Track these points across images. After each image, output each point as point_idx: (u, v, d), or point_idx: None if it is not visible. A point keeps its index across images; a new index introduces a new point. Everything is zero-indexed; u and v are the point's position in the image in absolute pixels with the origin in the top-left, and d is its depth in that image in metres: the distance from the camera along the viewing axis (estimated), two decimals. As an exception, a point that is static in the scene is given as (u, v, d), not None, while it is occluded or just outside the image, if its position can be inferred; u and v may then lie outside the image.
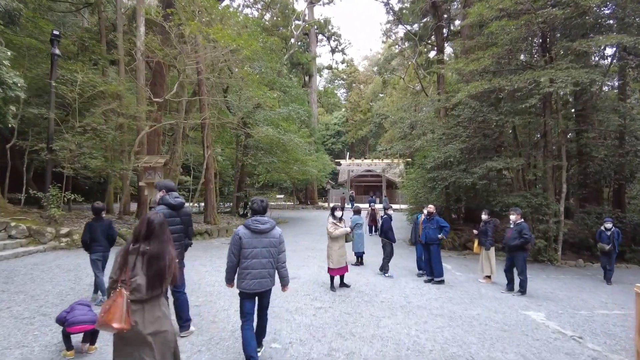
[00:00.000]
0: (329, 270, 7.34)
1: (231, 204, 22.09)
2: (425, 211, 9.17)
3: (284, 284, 4.18)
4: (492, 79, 11.03)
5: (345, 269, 7.43)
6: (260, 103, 17.72)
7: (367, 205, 18.22)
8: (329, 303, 6.44)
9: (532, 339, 5.26)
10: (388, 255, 8.92)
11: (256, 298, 4.00)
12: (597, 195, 15.81)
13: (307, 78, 38.75)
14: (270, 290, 4.06)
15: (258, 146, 18.79)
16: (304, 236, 15.65)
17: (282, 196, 40.01)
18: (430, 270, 8.50)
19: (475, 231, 9.58)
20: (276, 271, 4.10)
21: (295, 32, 31.75)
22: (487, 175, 13.11)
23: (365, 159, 44.59)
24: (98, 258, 5.83)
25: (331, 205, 9.21)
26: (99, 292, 5.87)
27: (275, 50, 18.16)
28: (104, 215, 6.24)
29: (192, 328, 4.86)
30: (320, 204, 37.15)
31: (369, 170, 40.03)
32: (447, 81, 17.69)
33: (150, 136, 19.46)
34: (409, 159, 20.99)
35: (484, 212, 9.24)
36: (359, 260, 10.22)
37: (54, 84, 10.35)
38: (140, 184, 10.79)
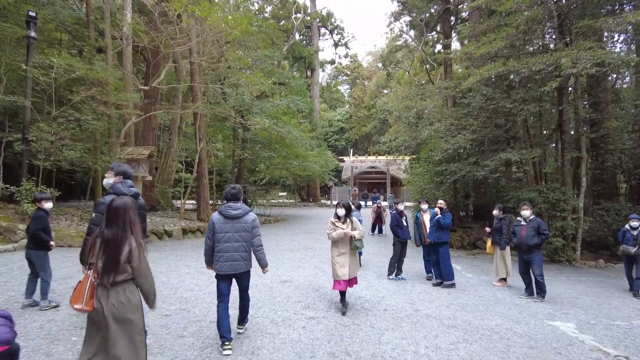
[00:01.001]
0: (334, 283, 5.62)
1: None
2: (424, 207, 8.35)
3: (262, 265, 4.36)
4: (506, 63, 10.05)
5: (348, 283, 5.56)
6: (257, 94, 16.94)
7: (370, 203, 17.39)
8: (322, 312, 5.54)
9: (567, 359, 4.34)
10: (395, 254, 8.00)
11: (233, 280, 4.22)
12: (613, 190, 14.81)
13: (309, 72, 37.79)
14: (246, 272, 4.27)
15: (255, 139, 17.90)
16: (303, 235, 14.76)
17: (284, 194, 39.17)
18: (439, 272, 7.58)
19: (488, 229, 8.64)
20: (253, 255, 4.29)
21: (295, 23, 30.75)
22: (498, 168, 12.14)
23: (370, 155, 43.64)
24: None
25: (335, 202, 8.16)
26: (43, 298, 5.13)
27: (272, 35, 17.19)
28: (50, 205, 5.43)
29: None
30: (322, 201, 36.25)
31: (373, 167, 39.04)
32: (455, 73, 16.67)
33: (144, 130, 18.79)
34: (414, 156, 20.03)
35: (495, 208, 8.32)
36: None
37: (29, 70, 9.53)
38: (123, 177, 9.95)
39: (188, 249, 10.48)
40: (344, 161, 39.94)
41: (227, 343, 3.97)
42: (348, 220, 5.63)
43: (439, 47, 29.14)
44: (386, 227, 13.94)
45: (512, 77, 10.70)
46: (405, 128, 14.46)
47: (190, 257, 9.23)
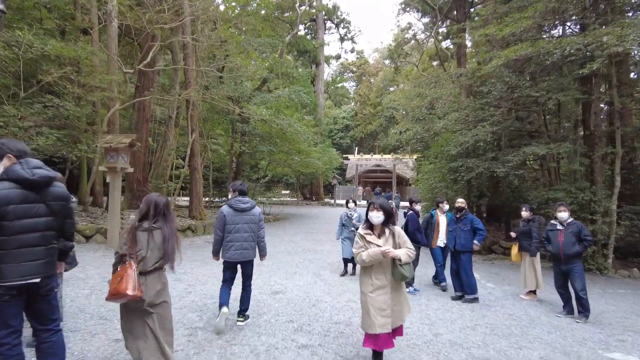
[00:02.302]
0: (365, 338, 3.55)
1: (227, 198, 20.15)
2: (445, 207, 7.14)
3: (263, 254, 4.73)
4: (534, 44, 8.83)
5: (391, 340, 3.52)
6: (258, 85, 15.81)
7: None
8: (318, 338, 4.38)
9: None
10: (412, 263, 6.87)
11: (238, 267, 4.56)
12: (637, 192, 13.54)
13: (314, 67, 36.61)
14: (251, 261, 4.58)
15: (255, 132, 16.76)
16: (304, 235, 13.62)
17: (287, 192, 38.07)
18: (460, 284, 6.40)
19: (513, 234, 7.44)
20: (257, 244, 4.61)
21: (299, 10, 29.53)
22: (521, 164, 10.93)
23: (375, 154, 42.43)
24: None
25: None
26: None
27: (273, 23, 16.01)
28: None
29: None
30: (326, 200, 35.11)
31: (379, 165, 37.87)
32: (469, 63, 15.39)
33: (138, 122, 17.68)
34: (421, 154, 18.77)
35: (523, 208, 7.12)
36: (347, 268, 7.82)
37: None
38: (101, 168, 8.84)
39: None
40: (348, 159, 38.81)
41: (224, 307, 4.29)
42: (387, 231, 3.55)
43: (447, 43, 27.91)
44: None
45: (538, 62, 9.44)
46: (414, 122, 13.21)
47: (178, 259, 8.11)
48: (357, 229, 7.03)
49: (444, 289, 6.94)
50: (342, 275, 7.57)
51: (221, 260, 4.57)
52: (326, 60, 41.75)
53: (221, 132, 19.65)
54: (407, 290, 6.68)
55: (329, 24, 39.77)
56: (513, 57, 8.71)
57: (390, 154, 40.70)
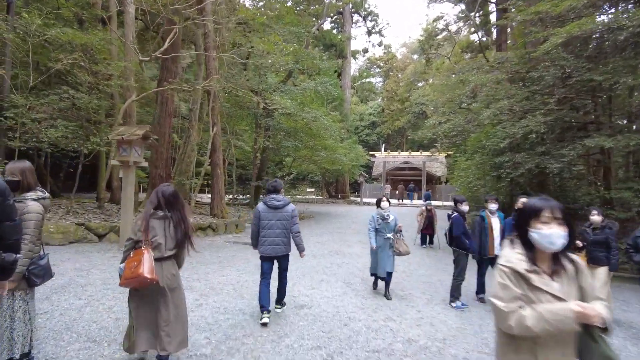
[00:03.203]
0: None
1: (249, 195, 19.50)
2: (492, 207, 5.98)
3: (300, 250, 4.90)
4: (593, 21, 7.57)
5: None
6: (283, 78, 15.01)
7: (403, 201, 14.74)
8: (354, 373, 3.46)
9: None
10: (460, 274, 5.77)
11: (274, 261, 4.82)
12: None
13: (340, 61, 35.58)
14: (286, 255, 4.83)
15: (279, 127, 15.94)
16: (330, 236, 12.70)
17: (312, 189, 37.29)
18: None
19: (579, 243, 6.15)
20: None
21: (326, 2, 28.55)
22: (577, 160, 9.63)
23: (403, 151, 41.02)
24: None
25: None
26: None
27: (294, 12, 15.06)
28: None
29: None
30: (352, 198, 34.07)
31: (407, 163, 36.48)
32: (512, 48, 14.01)
33: (160, 116, 17.23)
34: (458, 148, 17.48)
35: (595, 212, 5.85)
36: (377, 283, 6.33)
37: (10, 36, 7.93)
38: (113, 162, 8.21)
39: (191, 252, 8.62)
40: (375, 157, 37.60)
41: (265, 312, 4.49)
42: (567, 266, 1.80)
43: (481, 34, 26.26)
44: (437, 236, 11.39)
45: (603, 40, 8.16)
46: (453, 113, 11.99)
47: (192, 263, 7.35)
48: (395, 231, 5.98)
49: (482, 301, 5.91)
50: (374, 288, 6.32)
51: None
52: (353, 55, 40.58)
53: (245, 128, 19.00)
54: (454, 305, 5.66)
55: (356, 17, 38.59)
56: (577, 32, 7.46)
57: (419, 151, 39.25)
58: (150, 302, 3.08)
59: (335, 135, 18.88)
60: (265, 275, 4.71)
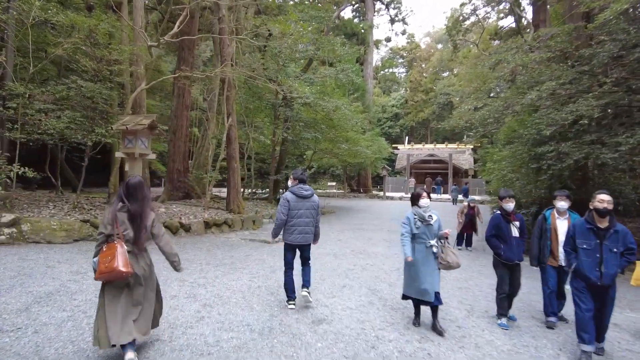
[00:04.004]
0: None
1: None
2: (561, 205, 4.78)
3: (316, 238, 5.01)
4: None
5: None
6: (303, 66, 14.19)
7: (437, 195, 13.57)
8: None
9: None
10: (500, 285, 4.80)
11: (297, 251, 4.88)
12: None
13: (362, 48, 34.48)
14: (310, 244, 4.93)
15: (298, 117, 15.14)
16: (352, 233, 11.90)
17: (333, 183, 36.53)
18: (597, 331, 3.91)
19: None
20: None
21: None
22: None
23: (427, 143, 39.65)
24: None
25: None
26: None
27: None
28: None
29: None
30: (374, 192, 33.10)
31: (432, 155, 35.17)
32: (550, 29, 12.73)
33: (177, 109, 16.79)
34: (490, 138, 16.27)
35: None
36: (419, 315, 4.59)
37: (11, 20, 7.43)
38: (117, 154, 7.63)
39: (202, 251, 8.00)
40: (398, 149, 36.45)
41: (291, 301, 4.79)
42: None
43: (510, 20, 24.74)
44: (478, 237, 10.35)
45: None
46: (486, 99, 10.91)
47: (200, 263, 6.69)
48: (440, 238, 4.47)
49: (551, 326, 4.71)
50: (414, 324, 4.49)
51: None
52: (375, 44, 39.35)
53: (264, 119, 18.32)
54: (498, 322, 4.74)
55: (378, 4, 37.28)
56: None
57: (444, 143, 37.80)
58: (127, 293, 3.10)
59: (357, 126, 17.98)
60: (290, 265, 4.81)
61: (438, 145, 36.79)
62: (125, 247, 3.01)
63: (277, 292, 5.34)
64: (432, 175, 34.15)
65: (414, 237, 4.39)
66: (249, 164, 18.81)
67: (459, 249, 10.05)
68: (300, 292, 4.87)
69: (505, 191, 5.00)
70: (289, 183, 4.97)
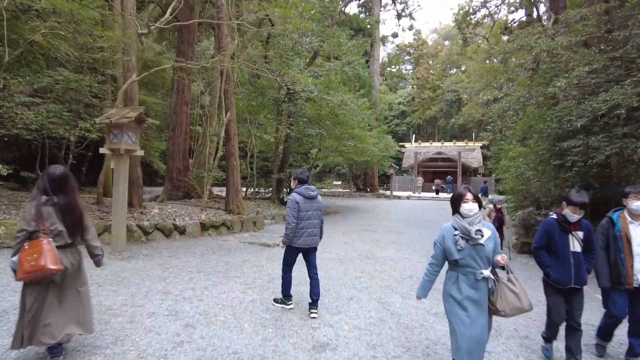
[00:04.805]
0: None
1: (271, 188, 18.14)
2: (635, 205, 3.52)
3: (320, 238, 4.71)
4: None
5: None
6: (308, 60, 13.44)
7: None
8: None
9: None
10: (551, 310, 3.65)
11: (300, 254, 4.62)
12: None
13: (368, 47, 33.67)
14: (316, 247, 4.73)
15: (302, 113, 14.40)
16: (359, 234, 11.15)
17: (339, 182, 35.77)
18: None
19: None
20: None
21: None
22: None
23: (435, 141, 38.78)
24: None
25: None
26: None
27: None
28: None
29: None
30: (381, 191, 32.29)
31: (440, 153, 34.27)
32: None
33: (176, 104, 16.13)
34: (508, 134, 15.35)
35: None
36: None
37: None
38: (102, 150, 6.95)
39: (195, 256, 7.29)
40: (405, 147, 35.62)
41: (289, 302, 4.68)
42: None
43: (521, 14, 23.89)
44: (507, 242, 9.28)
45: None
46: (507, 89, 10.09)
47: (190, 272, 5.97)
48: (495, 266, 2.94)
49: (600, 354, 3.85)
50: None
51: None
52: (382, 40, 38.51)
53: (266, 116, 17.61)
54: (542, 345, 3.95)
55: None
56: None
57: (452, 141, 36.88)
58: (53, 290, 2.93)
59: (364, 122, 17.21)
60: (290, 267, 4.67)
61: (446, 143, 35.91)
62: (53, 242, 2.82)
63: (273, 307, 4.62)
64: (440, 174, 33.27)
65: (456, 265, 2.86)
66: (251, 163, 18.14)
67: None
68: (307, 311, 4.50)
69: (579, 195, 3.39)
70: (292, 184, 4.78)
